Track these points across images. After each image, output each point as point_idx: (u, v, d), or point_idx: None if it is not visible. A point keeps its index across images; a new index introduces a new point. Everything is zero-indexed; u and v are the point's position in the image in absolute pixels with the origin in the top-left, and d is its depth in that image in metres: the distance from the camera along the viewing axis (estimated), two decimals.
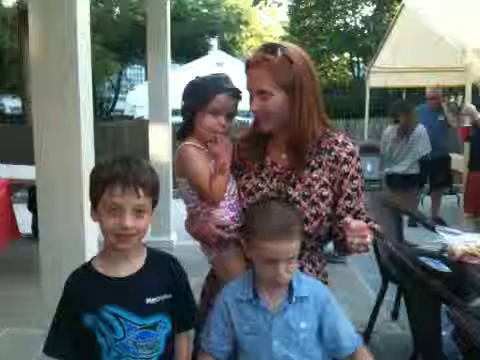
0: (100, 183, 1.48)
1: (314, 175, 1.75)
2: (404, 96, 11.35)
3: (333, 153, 1.77)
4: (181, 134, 1.84)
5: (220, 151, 1.74)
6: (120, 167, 1.49)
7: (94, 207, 1.53)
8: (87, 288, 1.53)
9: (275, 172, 1.79)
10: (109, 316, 1.50)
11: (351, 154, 1.78)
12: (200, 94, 1.77)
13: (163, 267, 1.61)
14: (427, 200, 7.47)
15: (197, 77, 1.84)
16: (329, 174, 1.76)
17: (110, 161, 1.54)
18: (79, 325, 1.52)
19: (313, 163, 1.77)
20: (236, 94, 1.79)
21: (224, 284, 1.72)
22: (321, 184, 1.75)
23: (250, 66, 1.72)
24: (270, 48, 1.70)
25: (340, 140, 1.80)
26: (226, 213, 1.76)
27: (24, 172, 5.63)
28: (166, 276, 1.60)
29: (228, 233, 1.75)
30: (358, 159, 1.80)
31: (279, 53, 1.69)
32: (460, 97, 15.23)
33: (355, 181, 1.78)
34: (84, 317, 1.51)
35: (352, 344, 1.59)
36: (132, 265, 1.56)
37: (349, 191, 1.77)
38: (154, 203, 1.56)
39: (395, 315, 3.90)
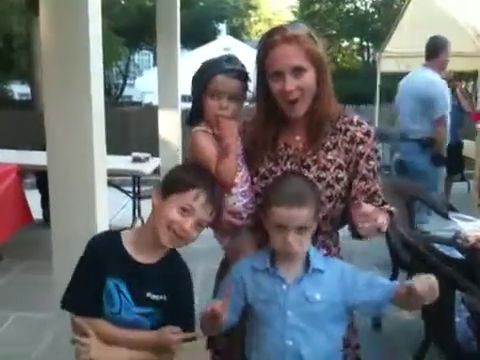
0: (189, 184, 1.59)
1: (329, 157, 1.72)
2: None
3: (348, 133, 1.74)
4: (190, 121, 1.81)
5: (223, 133, 1.70)
6: (211, 183, 1.62)
7: (164, 196, 1.61)
8: (108, 253, 1.61)
9: (289, 155, 1.76)
10: (113, 287, 1.58)
11: (367, 134, 1.76)
12: (200, 77, 1.74)
13: (173, 269, 1.68)
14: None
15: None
16: (344, 155, 1.73)
17: (202, 171, 1.66)
18: (97, 283, 1.60)
19: (328, 144, 1.74)
20: (239, 75, 1.73)
21: None
22: (336, 166, 1.72)
23: (277, 45, 1.64)
24: (291, 26, 1.67)
25: (355, 120, 1.77)
26: (238, 200, 1.74)
27: (33, 158, 5.65)
28: (172, 278, 1.66)
29: (240, 220, 1.73)
30: (374, 139, 1.77)
31: (304, 30, 1.66)
32: (471, 83, 15.08)
33: (371, 162, 1.74)
34: (104, 278, 1.59)
35: (386, 291, 1.55)
36: (151, 257, 1.64)
37: (364, 172, 1.74)
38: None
39: None
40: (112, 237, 1.68)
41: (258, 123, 1.78)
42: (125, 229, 1.72)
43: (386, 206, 1.74)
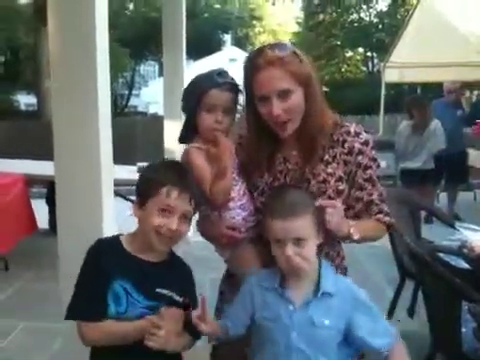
0: (157, 183, 1.57)
1: (329, 170, 1.71)
2: (419, 91, 11.28)
3: (346, 145, 1.73)
4: (182, 138, 1.80)
5: (220, 154, 1.68)
6: (177, 173, 1.60)
7: (141, 204, 1.61)
8: (111, 257, 1.60)
9: (288, 169, 1.76)
10: (120, 289, 1.57)
11: (365, 144, 1.74)
12: (193, 92, 1.73)
13: (180, 271, 1.70)
14: (443, 196, 7.40)
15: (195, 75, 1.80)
16: (344, 167, 1.72)
17: (165, 165, 1.65)
18: (102, 288, 1.57)
19: (327, 157, 1.72)
20: (231, 88, 1.73)
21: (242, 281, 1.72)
22: (336, 178, 1.71)
23: (262, 68, 1.62)
24: (275, 47, 1.65)
25: (352, 130, 1.75)
26: (237, 214, 1.74)
27: (39, 168, 5.68)
28: (182, 281, 1.67)
29: (240, 233, 1.73)
30: (372, 148, 1.75)
31: (288, 50, 1.65)
32: (475, 92, 15.09)
33: (368, 171, 1.74)
34: (109, 281, 1.57)
35: (384, 343, 1.54)
36: (154, 257, 1.64)
37: (361, 181, 1.73)
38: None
39: (411, 312, 3.86)
40: (112, 241, 1.68)
41: (251, 144, 1.77)
42: (121, 234, 1.72)
43: (379, 216, 1.75)
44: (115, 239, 1.68)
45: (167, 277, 1.63)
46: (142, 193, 1.63)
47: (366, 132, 1.78)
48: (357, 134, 1.74)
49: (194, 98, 1.72)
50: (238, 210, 1.74)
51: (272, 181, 1.76)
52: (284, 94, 1.63)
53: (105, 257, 1.60)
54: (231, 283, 1.86)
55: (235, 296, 1.69)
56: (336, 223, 1.56)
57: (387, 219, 1.76)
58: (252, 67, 1.65)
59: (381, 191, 1.77)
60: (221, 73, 1.75)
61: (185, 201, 1.58)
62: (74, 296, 1.63)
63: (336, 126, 1.75)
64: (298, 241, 1.51)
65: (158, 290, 1.59)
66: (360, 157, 1.72)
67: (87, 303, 1.59)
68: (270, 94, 1.63)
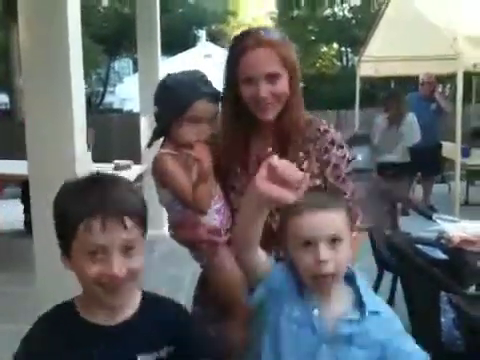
0: (71, 220, 1.13)
1: (304, 167, 1.69)
2: (392, 85, 11.38)
3: (318, 142, 1.71)
4: (151, 143, 1.73)
5: (200, 157, 1.63)
6: (93, 193, 1.15)
7: (66, 251, 1.18)
8: (69, 335, 1.21)
9: None
10: None
11: (332, 142, 1.72)
12: (175, 101, 1.63)
13: (163, 313, 1.29)
14: (417, 188, 7.49)
15: (169, 77, 1.70)
16: (316, 163, 1.71)
17: (79, 185, 1.20)
18: None
19: (301, 154, 1.71)
20: (216, 97, 1.67)
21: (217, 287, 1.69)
22: (311, 175, 1.66)
23: (251, 49, 1.58)
24: (265, 30, 1.62)
25: (322, 128, 1.74)
26: (214, 218, 1.70)
27: (12, 167, 5.58)
28: (167, 325, 1.26)
29: (220, 236, 1.69)
30: (341, 146, 1.73)
31: (277, 33, 1.63)
32: (448, 85, 15.29)
33: (337, 170, 1.71)
34: None
35: None
36: (122, 311, 1.24)
37: (331, 180, 1.70)
38: (145, 233, 1.22)
39: (391, 304, 3.90)
40: (65, 312, 1.26)
41: (226, 134, 1.72)
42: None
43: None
44: (68, 306, 1.26)
45: (146, 334, 1.23)
46: (61, 235, 1.19)
47: (334, 129, 1.76)
48: (326, 132, 1.73)
49: (175, 108, 1.63)
50: (215, 215, 1.70)
51: (247, 181, 1.72)
52: (272, 77, 1.60)
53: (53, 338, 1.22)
54: (205, 291, 1.80)
55: (209, 305, 1.68)
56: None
57: (359, 222, 1.71)
58: (241, 48, 1.60)
59: (353, 188, 1.74)
60: (203, 79, 1.68)
61: (117, 228, 1.12)
62: None
63: (308, 124, 1.74)
64: (333, 242, 1.29)
65: (140, 359, 1.21)
66: (327, 156, 1.71)
67: None
68: (258, 76, 1.59)
